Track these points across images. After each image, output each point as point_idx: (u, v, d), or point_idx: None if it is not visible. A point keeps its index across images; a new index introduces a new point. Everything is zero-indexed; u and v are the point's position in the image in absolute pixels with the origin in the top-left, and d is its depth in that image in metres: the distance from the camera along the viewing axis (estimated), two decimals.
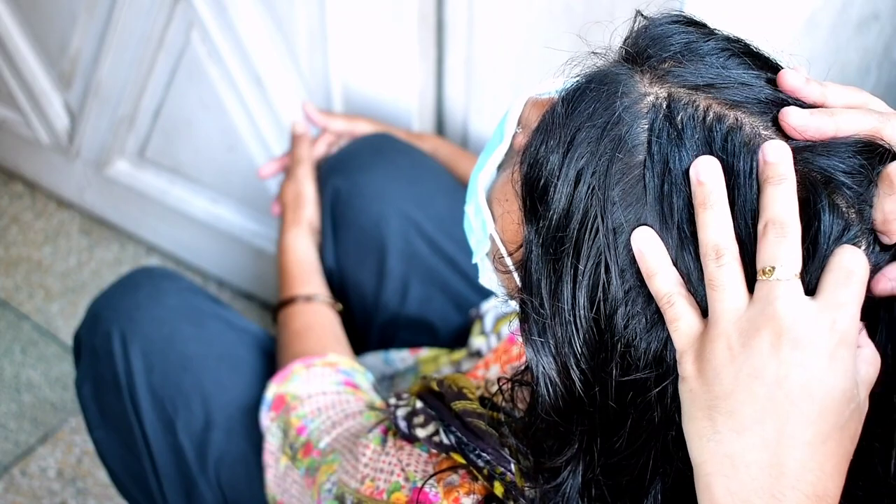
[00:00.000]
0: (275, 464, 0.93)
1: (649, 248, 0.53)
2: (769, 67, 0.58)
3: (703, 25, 0.59)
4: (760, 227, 0.52)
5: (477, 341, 1.08)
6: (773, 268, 0.51)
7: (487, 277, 0.70)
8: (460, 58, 1.24)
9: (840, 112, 0.54)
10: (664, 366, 0.55)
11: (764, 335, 0.50)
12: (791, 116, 0.53)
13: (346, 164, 1.20)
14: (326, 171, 1.21)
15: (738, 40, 0.59)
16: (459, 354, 1.10)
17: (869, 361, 0.53)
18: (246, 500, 0.99)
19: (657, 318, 0.54)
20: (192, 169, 1.59)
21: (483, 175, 0.68)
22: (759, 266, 0.51)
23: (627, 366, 0.55)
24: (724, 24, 0.60)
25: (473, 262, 0.70)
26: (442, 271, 1.16)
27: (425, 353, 1.15)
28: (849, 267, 0.51)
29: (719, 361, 0.51)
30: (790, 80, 0.55)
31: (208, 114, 1.46)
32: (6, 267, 1.80)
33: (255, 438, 0.98)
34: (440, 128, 1.35)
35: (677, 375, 0.54)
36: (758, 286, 0.51)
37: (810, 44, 1.09)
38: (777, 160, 0.52)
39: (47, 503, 1.42)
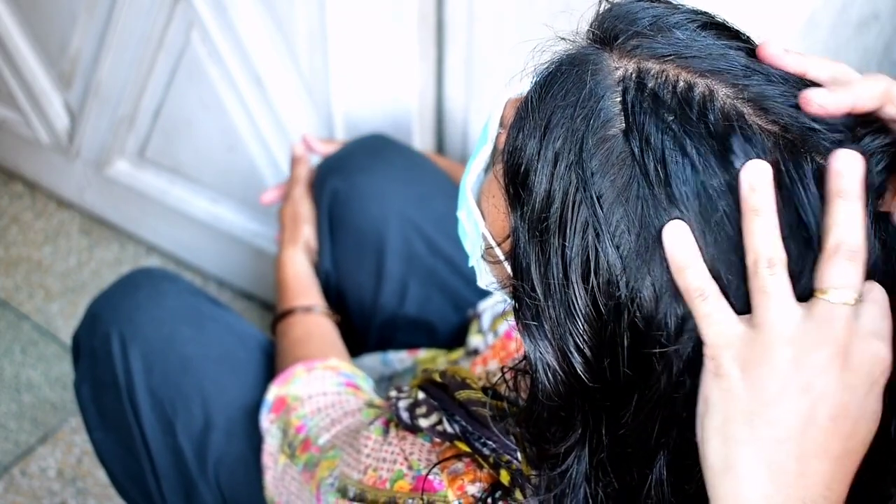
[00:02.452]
0: (273, 465, 0.93)
1: (680, 243, 0.53)
2: (737, 38, 0.58)
3: (668, 1, 0.60)
4: (832, 242, 0.52)
5: (474, 339, 1.09)
6: (837, 290, 0.51)
7: (485, 279, 0.70)
8: (460, 58, 1.24)
9: (857, 84, 0.54)
10: (667, 331, 0.54)
11: (822, 353, 0.51)
12: (814, 97, 0.53)
13: (345, 164, 1.20)
14: (324, 172, 1.22)
15: (704, 12, 0.59)
16: (457, 354, 1.10)
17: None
18: (245, 502, 0.99)
19: (663, 285, 0.54)
20: (192, 169, 1.59)
21: (470, 178, 0.69)
22: (821, 284, 0.52)
23: (636, 335, 0.55)
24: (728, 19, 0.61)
25: (470, 265, 0.70)
26: (441, 272, 1.16)
27: (423, 353, 1.15)
28: (884, 301, 0.53)
29: (772, 369, 0.52)
30: (770, 49, 0.56)
31: (208, 114, 1.46)
32: (6, 267, 1.80)
33: (255, 440, 0.98)
34: (440, 128, 1.35)
35: (686, 341, 0.54)
36: (817, 303, 0.52)
37: (810, 44, 1.09)
38: (849, 172, 0.51)
39: (47, 503, 1.42)
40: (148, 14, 1.41)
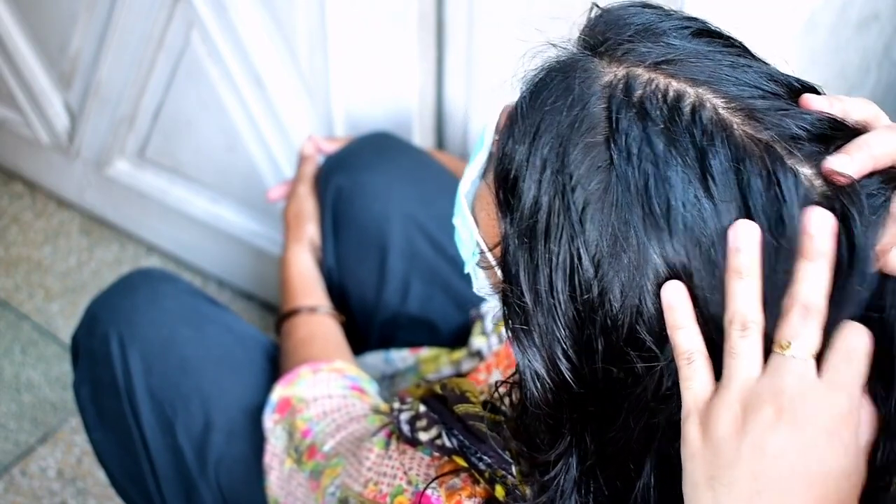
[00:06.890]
0: (278, 466, 0.93)
1: (678, 302, 0.52)
2: (731, 45, 0.57)
3: (660, 8, 0.59)
4: (787, 301, 0.51)
5: (477, 341, 1.09)
6: (790, 343, 0.51)
7: (480, 285, 0.70)
8: (460, 58, 1.24)
9: (875, 144, 0.53)
10: (640, 340, 0.54)
11: (766, 410, 0.50)
12: (835, 164, 0.52)
13: (349, 162, 1.20)
14: (329, 169, 1.22)
15: (696, 19, 0.58)
16: (459, 354, 1.10)
17: (866, 424, 0.53)
18: (246, 502, 0.99)
19: (630, 291, 0.53)
20: (192, 169, 1.59)
21: (465, 184, 0.69)
22: (777, 337, 0.51)
23: (610, 340, 0.55)
24: (724, 24, 0.60)
25: (466, 271, 0.70)
26: (443, 271, 1.16)
27: (426, 352, 1.15)
28: (850, 345, 0.51)
29: (724, 432, 0.51)
30: (814, 104, 0.55)
31: (208, 114, 1.46)
32: (6, 267, 1.80)
33: (256, 440, 0.98)
34: (440, 128, 1.35)
35: (659, 351, 0.54)
36: (772, 357, 0.51)
37: (810, 44, 1.09)
38: (818, 233, 0.50)
39: (47, 503, 1.42)
40: (148, 14, 1.41)
